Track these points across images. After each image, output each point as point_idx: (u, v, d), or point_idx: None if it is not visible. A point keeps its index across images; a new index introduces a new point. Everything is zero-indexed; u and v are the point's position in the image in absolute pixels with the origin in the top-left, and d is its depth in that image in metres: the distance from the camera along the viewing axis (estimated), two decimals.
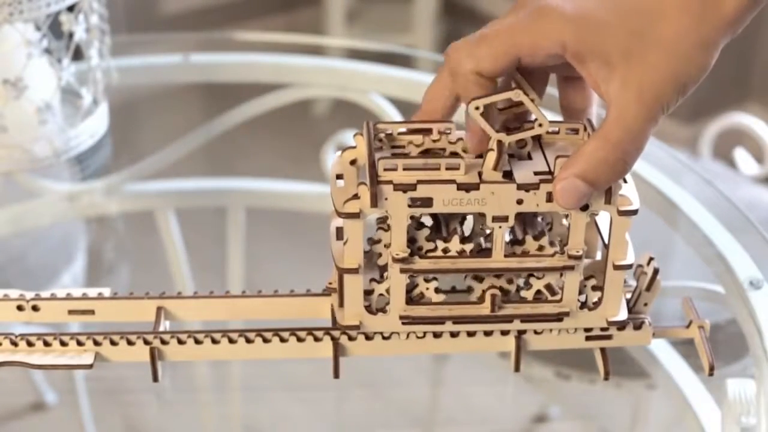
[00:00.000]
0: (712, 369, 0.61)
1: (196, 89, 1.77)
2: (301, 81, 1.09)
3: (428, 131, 0.60)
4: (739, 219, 0.83)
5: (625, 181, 0.59)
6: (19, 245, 1.18)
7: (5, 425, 1.58)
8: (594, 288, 0.61)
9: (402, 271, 0.59)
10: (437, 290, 0.61)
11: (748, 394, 0.73)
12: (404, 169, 0.57)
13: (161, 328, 0.63)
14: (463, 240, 0.59)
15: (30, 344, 0.62)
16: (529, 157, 0.59)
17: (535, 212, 0.60)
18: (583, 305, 0.61)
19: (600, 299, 0.61)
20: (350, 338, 0.62)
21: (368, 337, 0.62)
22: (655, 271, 0.62)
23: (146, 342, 0.62)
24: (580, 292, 0.61)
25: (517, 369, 0.62)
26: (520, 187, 0.57)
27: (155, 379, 0.63)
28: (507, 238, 0.60)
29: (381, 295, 0.61)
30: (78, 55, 0.88)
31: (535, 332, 0.62)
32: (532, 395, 1.53)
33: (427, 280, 0.61)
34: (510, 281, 0.61)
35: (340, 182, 0.61)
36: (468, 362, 0.65)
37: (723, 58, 0.57)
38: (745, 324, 0.75)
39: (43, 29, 0.84)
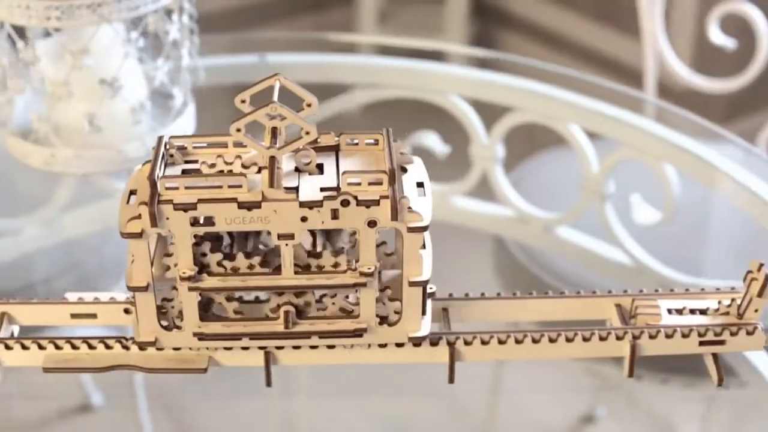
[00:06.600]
0: None
1: None
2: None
3: (223, 145, 0.59)
4: None
5: (425, 195, 0.58)
6: (96, 244, 1.18)
7: (52, 428, 1.58)
8: (391, 299, 0.61)
9: (191, 289, 0.58)
10: (235, 307, 0.60)
11: None
12: (186, 188, 0.56)
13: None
14: (248, 255, 0.58)
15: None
16: (321, 171, 0.59)
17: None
18: (383, 321, 0.61)
19: (400, 315, 0.60)
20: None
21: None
22: (767, 277, 0.62)
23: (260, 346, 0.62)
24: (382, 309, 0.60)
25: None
26: (303, 204, 0.56)
27: (269, 383, 0.64)
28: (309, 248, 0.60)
29: (181, 310, 0.60)
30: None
31: (650, 336, 0.62)
32: (592, 395, 1.52)
33: (229, 300, 0.60)
34: (303, 298, 0.60)
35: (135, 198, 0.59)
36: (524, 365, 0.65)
37: None
38: None
39: (139, 29, 0.84)
